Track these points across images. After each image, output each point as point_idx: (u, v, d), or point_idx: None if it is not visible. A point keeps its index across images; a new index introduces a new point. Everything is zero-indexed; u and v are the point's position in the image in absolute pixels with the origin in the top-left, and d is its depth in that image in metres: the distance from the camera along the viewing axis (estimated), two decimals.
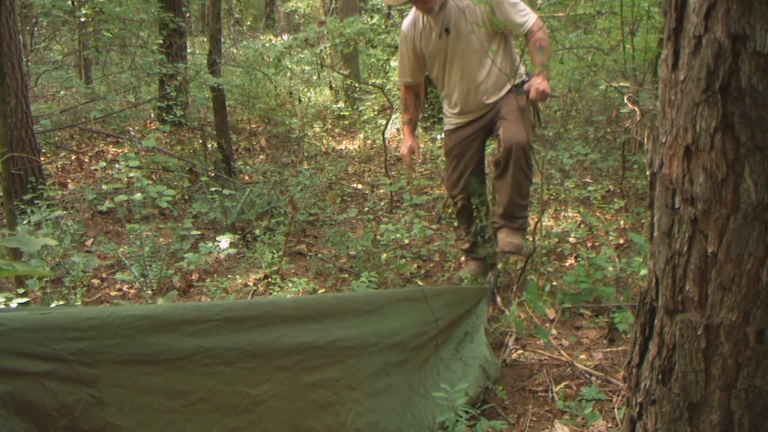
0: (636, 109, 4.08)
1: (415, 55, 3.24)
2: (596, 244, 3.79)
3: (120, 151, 6.03)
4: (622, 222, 4.07)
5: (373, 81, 8.25)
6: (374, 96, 8.10)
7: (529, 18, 3.01)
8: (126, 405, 1.60)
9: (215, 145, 5.59)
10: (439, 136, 6.60)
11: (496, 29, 3.02)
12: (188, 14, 9.93)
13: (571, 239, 3.88)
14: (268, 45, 9.35)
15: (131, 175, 4.15)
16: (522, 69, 3.19)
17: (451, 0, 3.05)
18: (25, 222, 3.56)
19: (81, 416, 1.54)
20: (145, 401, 1.63)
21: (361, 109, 8.13)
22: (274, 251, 3.66)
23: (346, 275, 3.51)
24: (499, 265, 3.48)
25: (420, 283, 3.43)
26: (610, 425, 2.10)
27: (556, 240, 3.84)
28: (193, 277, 3.55)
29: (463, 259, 3.54)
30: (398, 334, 2.09)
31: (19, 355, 1.49)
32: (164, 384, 1.66)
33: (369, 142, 7.16)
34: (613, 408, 2.18)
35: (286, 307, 1.91)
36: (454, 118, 3.28)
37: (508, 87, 3.11)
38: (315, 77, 9.08)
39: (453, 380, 2.15)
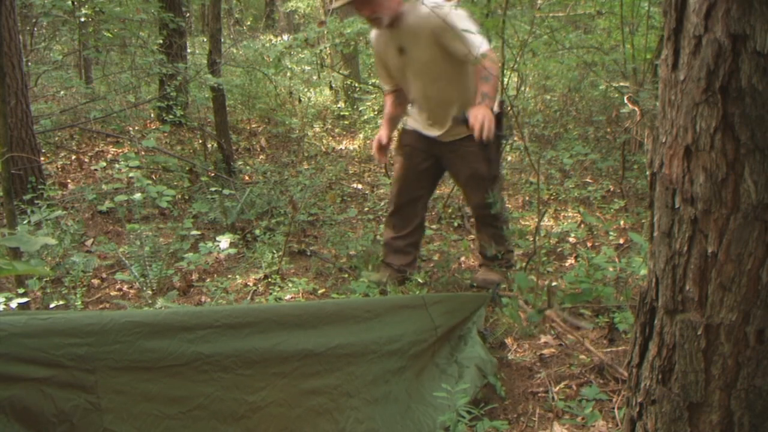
0: (636, 109, 4.09)
1: (385, 67, 3.14)
2: (596, 244, 3.79)
3: (120, 151, 6.02)
4: (622, 222, 4.07)
5: (373, 81, 8.25)
6: (374, 96, 8.09)
7: (476, 48, 2.77)
8: (124, 411, 1.60)
9: (215, 145, 5.59)
10: None
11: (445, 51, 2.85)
12: (188, 14, 9.93)
13: (571, 239, 3.88)
14: (268, 45, 9.35)
15: (131, 175, 4.15)
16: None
17: (411, 14, 2.85)
18: (25, 222, 3.56)
19: (79, 422, 1.54)
20: (143, 408, 1.63)
21: (361, 109, 8.13)
22: (274, 251, 3.66)
23: (346, 275, 3.51)
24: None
25: (419, 280, 3.43)
26: (610, 425, 2.10)
27: (556, 240, 3.84)
28: (193, 277, 3.55)
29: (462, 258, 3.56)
30: (397, 342, 2.09)
31: (19, 360, 1.49)
32: (162, 390, 1.65)
33: (369, 142, 7.16)
34: (613, 408, 2.18)
35: (285, 314, 1.91)
36: (419, 122, 3.14)
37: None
38: (315, 77, 9.08)
39: (450, 383, 2.15)
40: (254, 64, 7.96)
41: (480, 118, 2.66)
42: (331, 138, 7.43)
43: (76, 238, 3.81)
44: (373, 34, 3.11)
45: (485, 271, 3.24)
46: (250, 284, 3.40)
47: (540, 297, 2.89)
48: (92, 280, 3.50)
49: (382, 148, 3.22)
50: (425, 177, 3.21)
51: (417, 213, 3.25)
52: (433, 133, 3.08)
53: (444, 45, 2.80)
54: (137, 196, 3.67)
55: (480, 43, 2.80)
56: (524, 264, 3.31)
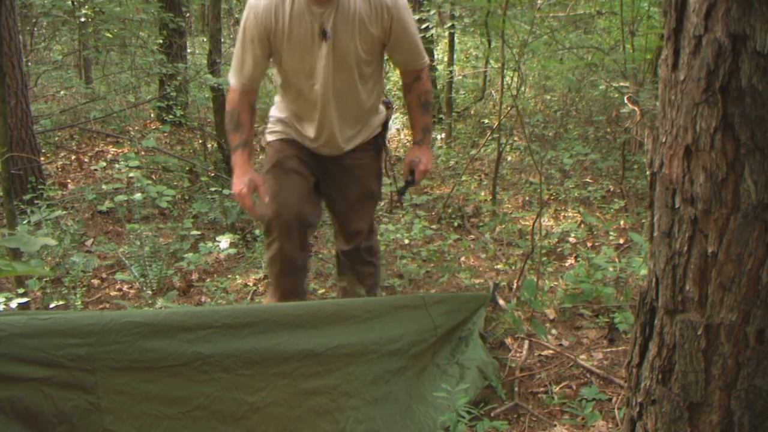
0: (636, 109, 4.09)
1: (264, 52, 2.24)
2: (596, 244, 3.79)
3: (120, 151, 6.02)
4: (622, 222, 4.08)
5: None
6: None
7: (425, 58, 2.40)
8: (124, 412, 1.60)
9: (215, 145, 5.59)
10: (440, 136, 6.58)
11: (384, 48, 2.30)
12: (188, 14, 9.93)
13: (571, 239, 3.88)
14: None
15: (131, 175, 4.15)
16: (382, 113, 2.51)
17: None
18: (25, 222, 3.56)
19: (79, 423, 1.54)
20: (143, 408, 1.63)
21: None
22: None
23: None
24: (499, 265, 3.48)
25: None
26: (610, 425, 2.10)
27: (556, 240, 3.84)
28: (193, 277, 3.55)
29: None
30: (397, 342, 2.08)
31: (19, 360, 1.49)
32: (162, 391, 1.65)
33: None
34: (613, 408, 2.18)
35: (285, 314, 1.91)
36: (306, 139, 2.41)
37: (371, 130, 2.47)
38: None
39: (451, 384, 2.15)
40: None
41: (423, 167, 2.44)
42: None
43: (76, 238, 3.81)
44: (262, 6, 2.18)
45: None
46: (250, 284, 3.40)
47: (541, 298, 2.89)
48: (92, 280, 3.50)
49: (256, 191, 2.27)
50: (315, 201, 2.47)
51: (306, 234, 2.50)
52: (326, 150, 2.41)
53: (389, 45, 2.27)
54: (137, 196, 3.67)
55: (427, 58, 2.41)
56: (523, 264, 3.31)
